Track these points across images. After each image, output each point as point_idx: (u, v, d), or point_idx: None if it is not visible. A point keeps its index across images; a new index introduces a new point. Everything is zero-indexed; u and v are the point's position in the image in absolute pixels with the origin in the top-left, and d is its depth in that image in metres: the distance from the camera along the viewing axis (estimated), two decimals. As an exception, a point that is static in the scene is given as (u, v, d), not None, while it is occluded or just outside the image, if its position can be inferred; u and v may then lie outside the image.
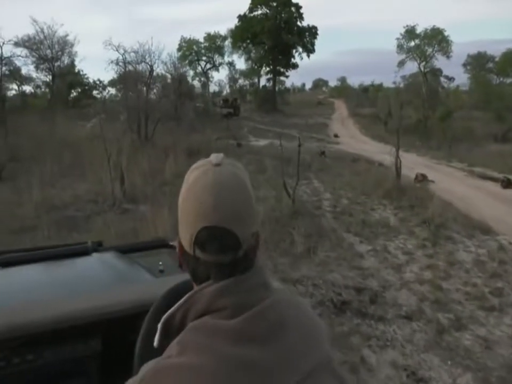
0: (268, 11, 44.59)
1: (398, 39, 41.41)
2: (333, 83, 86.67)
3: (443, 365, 3.57)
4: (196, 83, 42.60)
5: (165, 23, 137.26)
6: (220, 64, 49.95)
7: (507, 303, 4.63)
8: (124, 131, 15.84)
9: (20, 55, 26.41)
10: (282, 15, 44.29)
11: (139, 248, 2.23)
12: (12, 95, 31.42)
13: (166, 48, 42.28)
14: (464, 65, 47.64)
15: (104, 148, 9.16)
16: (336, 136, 26.04)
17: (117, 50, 21.48)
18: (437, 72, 42.86)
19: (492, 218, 7.66)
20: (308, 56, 46.02)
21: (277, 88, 47.15)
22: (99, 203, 8.23)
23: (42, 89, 34.98)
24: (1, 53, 22.58)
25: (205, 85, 47.26)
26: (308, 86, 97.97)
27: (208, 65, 49.85)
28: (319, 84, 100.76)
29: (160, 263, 1.88)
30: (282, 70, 46.80)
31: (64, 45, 31.33)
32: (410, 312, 4.37)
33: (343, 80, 79.86)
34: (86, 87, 36.24)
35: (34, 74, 32.49)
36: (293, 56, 46.05)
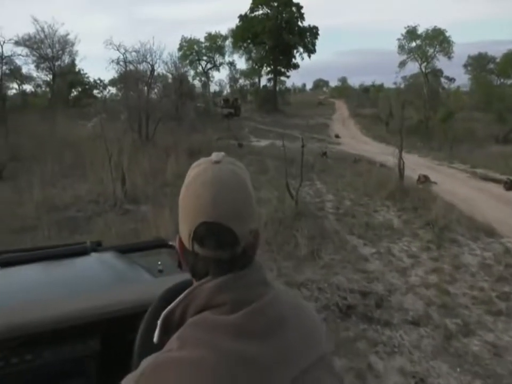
0: (268, 11, 44.50)
1: (399, 39, 41.36)
2: (333, 83, 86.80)
3: (452, 372, 3.50)
4: (197, 83, 42.59)
5: (165, 22, 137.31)
6: (221, 64, 49.89)
7: (515, 308, 4.57)
8: (125, 131, 15.77)
9: (20, 54, 26.38)
10: (283, 15, 44.18)
11: (138, 248, 2.22)
12: (12, 94, 31.42)
13: (166, 47, 42.11)
14: (465, 66, 47.57)
15: (105, 147, 9.09)
16: (337, 136, 25.97)
17: (117, 49, 21.46)
18: (437, 73, 42.81)
19: (496, 221, 7.60)
20: (309, 56, 45.97)
21: (277, 88, 47.04)
22: (100, 203, 8.17)
23: (43, 89, 34.95)
24: (2, 52, 22.50)
25: (205, 85, 47.19)
26: (309, 86, 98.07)
27: (209, 65, 49.79)
28: (320, 84, 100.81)
29: (159, 263, 1.89)
30: (283, 70, 46.70)
31: (65, 44, 31.28)
32: (417, 317, 4.30)
33: (343, 80, 79.88)
34: (87, 86, 36.19)
35: (34, 74, 32.44)
36: (294, 56, 45.96)
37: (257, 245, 0.84)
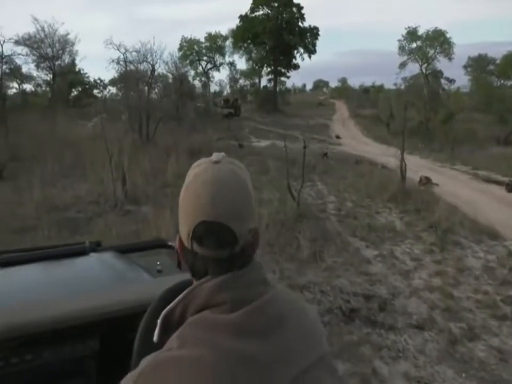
0: (269, 11, 44.45)
1: (399, 40, 41.39)
2: (333, 84, 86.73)
3: (457, 377, 3.46)
4: (197, 83, 42.57)
5: (165, 22, 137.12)
6: (221, 64, 49.85)
7: (519, 312, 4.53)
8: (125, 131, 15.73)
9: (20, 54, 26.30)
10: (284, 15, 44.13)
11: (137, 248, 2.21)
12: (12, 93, 31.34)
13: (167, 48, 42.09)
14: (465, 67, 47.57)
15: (106, 147, 9.05)
16: (338, 137, 25.94)
17: (117, 49, 21.40)
18: (437, 74, 42.81)
19: (499, 223, 7.55)
20: (309, 56, 45.92)
21: (277, 89, 47.00)
22: (100, 204, 8.12)
23: (43, 88, 34.88)
24: (2, 51, 22.44)
25: (205, 85, 47.16)
26: (309, 86, 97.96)
27: (209, 65, 49.76)
28: (320, 84, 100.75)
29: (158, 263, 1.90)
30: (283, 70, 46.65)
31: (65, 43, 31.21)
32: (421, 321, 4.26)
33: (343, 81, 79.82)
34: (87, 86, 36.13)
35: (35, 73, 32.37)
36: (294, 57, 45.90)
37: (257, 245, 0.83)
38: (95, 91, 36.75)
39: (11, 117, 18.00)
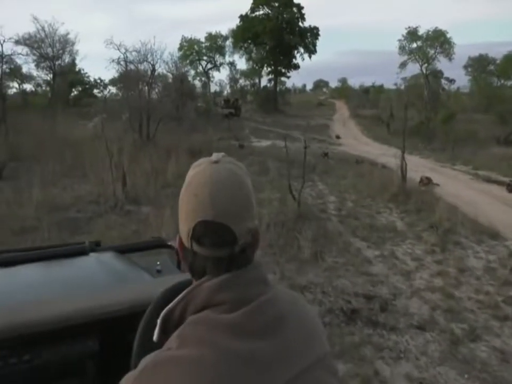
0: (269, 11, 44.43)
1: (399, 40, 41.39)
2: (333, 84, 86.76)
3: (460, 378, 3.44)
4: (197, 83, 42.55)
5: (166, 22, 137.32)
6: (221, 64, 49.88)
7: (521, 313, 4.51)
8: (126, 130, 15.71)
9: (20, 53, 26.21)
10: (284, 15, 44.12)
11: (137, 248, 2.21)
12: (12, 93, 31.34)
13: (167, 47, 42.06)
14: (465, 67, 47.56)
15: (106, 147, 9.03)
16: (338, 137, 25.92)
17: (118, 49, 21.39)
18: (437, 74, 42.81)
19: (500, 223, 7.54)
20: (310, 56, 45.92)
21: (277, 89, 46.98)
22: (101, 204, 8.09)
23: (43, 88, 34.91)
24: (2, 50, 22.39)
25: (205, 85, 47.16)
26: (309, 86, 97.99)
27: (209, 65, 49.77)
28: (320, 84, 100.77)
29: (158, 263, 1.91)
30: (283, 70, 46.64)
31: (65, 43, 31.19)
32: (423, 322, 4.24)
33: (343, 81, 79.79)
34: (87, 86, 36.16)
35: (35, 73, 32.41)
36: (294, 57, 45.90)
37: (257, 244, 0.84)
38: (95, 91, 36.83)
39: (11, 116, 17.96)
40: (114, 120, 16.73)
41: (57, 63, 31.06)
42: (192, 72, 44.91)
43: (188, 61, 45.05)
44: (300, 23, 44.85)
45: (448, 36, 39.94)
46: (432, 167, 14.72)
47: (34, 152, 12.20)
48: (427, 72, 39.95)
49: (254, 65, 47.64)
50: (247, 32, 43.82)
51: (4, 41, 22.05)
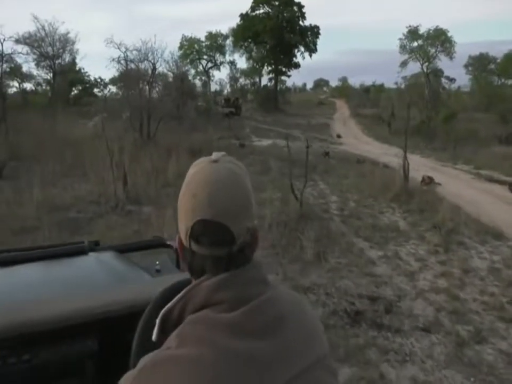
0: (269, 10, 44.33)
1: (400, 39, 41.27)
2: (334, 83, 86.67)
3: (466, 381, 3.40)
4: (197, 82, 42.49)
5: (166, 22, 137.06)
6: (221, 63, 49.80)
7: (527, 314, 4.46)
8: (126, 129, 15.66)
9: (20, 52, 26.16)
10: (285, 14, 43.99)
11: (136, 248, 2.21)
12: (12, 92, 31.28)
13: (167, 47, 42.03)
14: (466, 66, 47.48)
15: (107, 147, 8.98)
16: (339, 136, 25.84)
17: (118, 48, 21.32)
18: (438, 73, 42.72)
19: (503, 223, 7.50)
20: (310, 55, 45.78)
21: (278, 88, 46.89)
22: (101, 204, 8.04)
23: (43, 87, 34.84)
24: (2, 49, 22.33)
25: (206, 84, 47.08)
26: (309, 85, 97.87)
27: (210, 64, 49.69)
28: (320, 83, 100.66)
29: (157, 262, 1.91)
30: (284, 69, 46.54)
31: (65, 42, 31.14)
32: (428, 324, 4.19)
33: (344, 80, 79.74)
34: (87, 85, 36.09)
35: (35, 72, 32.34)
36: (295, 56, 45.81)
37: (256, 244, 0.83)
38: (96, 90, 36.75)
39: (11, 115, 17.91)
40: (114, 119, 16.68)
41: (57, 62, 31.02)
42: (193, 71, 44.91)
43: (188, 60, 44.98)
44: (301, 22, 44.74)
45: (448, 34, 39.86)
46: (433, 167, 14.67)
47: (35, 151, 12.16)
48: (428, 71, 39.86)
49: (255, 64, 47.55)
50: (248, 31, 43.72)
51: (4, 40, 22.03)
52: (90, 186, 9.19)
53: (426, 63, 40.34)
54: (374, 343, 3.86)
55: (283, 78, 49.15)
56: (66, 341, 1.28)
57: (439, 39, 39.53)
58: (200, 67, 49.03)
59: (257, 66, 47.33)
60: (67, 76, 31.86)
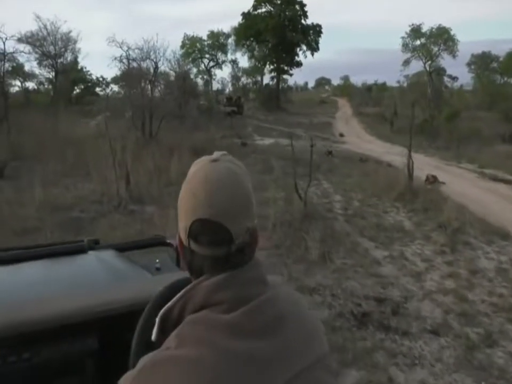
0: (272, 9, 44.25)
1: (403, 37, 41.16)
2: (335, 82, 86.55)
3: (477, 386, 3.32)
4: (199, 81, 42.42)
5: (167, 21, 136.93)
6: (223, 62, 49.76)
7: (537, 316, 4.38)
8: (128, 128, 15.61)
9: (23, 51, 26.13)
10: (287, 13, 43.89)
11: (136, 246, 2.20)
12: (14, 91, 31.24)
13: (170, 45, 41.96)
14: (468, 64, 47.35)
15: (110, 146, 8.92)
16: (341, 135, 25.76)
17: (120, 47, 21.28)
18: (440, 72, 42.60)
19: (509, 223, 7.41)
20: (312, 54, 45.68)
21: (280, 87, 46.77)
22: (104, 204, 7.98)
23: (45, 86, 34.85)
24: (4, 48, 22.29)
25: (207, 83, 47.03)
26: (311, 84, 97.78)
27: (211, 63, 49.64)
28: (322, 82, 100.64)
29: (157, 260, 1.90)
30: (286, 68, 46.42)
31: (67, 41, 31.16)
32: (436, 326, 4.11)
33: (346, 78, 79.65)
34: (89, 84, 36.09)
35: (37, 71, 32.36)
36: (297, 54, 45.70)
37: (255, 244, 0.83)
38: (98, 89, 36.73)
39: (13, 115, 17.89)
40: (117, 119, 16.63)
41: (59, 61, 31.03)
42: (194, 70, 44.83)
43: (190, 59, 44.90)
44: (303, 21, 44.63)
45: (452, 33, 39.71)
46: (437, 165, 14.58)
47: (36, 150, 12.11)
48: (430, 70, 39.73)
49: (256, 63, 47.47)
50: (249, 30, 43.62)
51: (6, 39, 21.99)
52: (92, 185, 9.13)
53: (429, 62, 40.20)
54: (381, 346, 3.78)
55: (285, 76, 49.10)
56: (66, 340, 1.27)
57: (442, 37, 39.40)
58: (202, 66, 49.05)
59: (259, 65, 47.25)
60: (69, 75, 31.87)
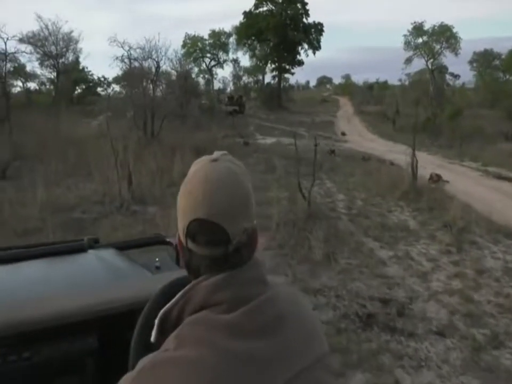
0: (273, 7, 44.11)
1: (405, 35, 41.05)
2: (337, 80, 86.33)
3: (485, 388, 3.27)
4: (200, 80, 42.35)
5: (168, 21, 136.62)
6: (225, 61, 49.69)
7: (544, 317, 4.32)
8: (130, 128, 15.57)
9: (24, 51, 26.15)
10: (288, 11, 43.76)
11: (136, 245, 2.21)
12: (16, 91, 31.29)
13: (171, 44, 41.98)
14: (470, 62, 47.17)
15: (111, 146, 8.88)
16: (343, 134, 25.68)
17: (121, 46, 21.24)
18: (442, 70, 42.48)
19: (515, 222, 7.34)
20: (314, 53, 45.56)
21: (281, 86, 46.66)
22: (106, 204, 7.94)
23: (47, 86, 34.88)
24: (6, 49, 22.30)
25: (209, 82, 46.96)
26: (312, 83, 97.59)
27: (213, 62, 49.58)
28: (323, 81, 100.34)
29: (157, 259, 1.90)
30: (287, 67, 46.31)
31: (69, 41, 31.19)
32: (442, 327, 4.06)
33: (347, 77, 79.47)
34: (91, 84, 36.09)
35: (38, 71, 32.40)
36: (299, 53, 45.58)
37: (255, 244, 0.82)
38: (99, 89, 36.73)
39: (15, 115, 17.88)
40: (118, 118, 16.59)
41: (61, 61, 31.06)
42: (196, 69, 44.73)
43: (191, 58, 44.85)
44: (304, 19, 44.51)
45: (454, 30, 39.58)
46: (440, 164, 14.49)
47: (38, 151, 12.08)
48: (433, 68, 39.60)
49: (258, 62, 47.36)
50: (251, 29, 43.51)
51: (8, 39, 22.02)
52: (94, 186, 9.09)
53: (431, 60, 40.07)
54: (387, 347, 3.73)
55: (286, 75, 48.97)
56: (66, 339, 1.28)
57: (444, 35, 39.25)
58: (204, 65, 48.95)
59: (261, 64, 47.13)
60: (71, 75, 31.88)
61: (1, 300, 1.41)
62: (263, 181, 9.82)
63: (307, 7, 44.10)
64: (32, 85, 34.64)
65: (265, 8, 44.45)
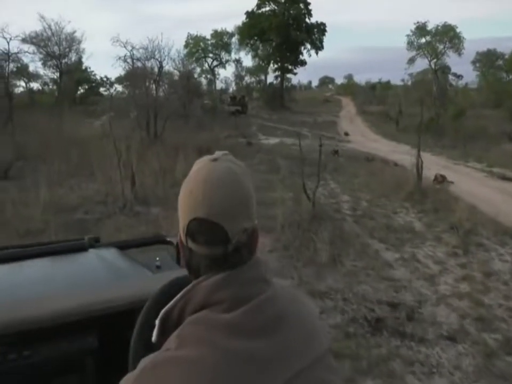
0: (275, 7, 44.05)
1: (408, 35, 40.89)
2: (339, 80, 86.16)
3: (498, 396, 3.19)
4: (203, 80, 42.32)
5: (171, 21, 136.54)
6: (227, 61, 49.63)
7: (556, 321, 4.24)
8: (133, 128, 15.52)
9: (27, 52, 26.13)
10: (291, 11, 43.69)
11: (136, 244, 2.21)
12: (19, 92, 31.28)
13: (174, 44, 41.92)
14: (473, 62, 46.97)
15: (114, 146, 8.81)
16: (346, 134, 25.60)
17: (124, 46, 21.19)
18: (445, 70, 42.33)
19: (521, 224, 7.25)
20: (316, 53, 45.49)
21: (284, 86, 46.57)
22: (109, 204, 7.87)
23: (50, 86, 34.85)
24: (9, 49, 22.28)
25: (211, 82, 46.92)
26: (314, 83, 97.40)
27: (215, 62, 49.53)
28: (326, 81, 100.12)
29: (157, 258, 1.91)
30: (290, 67, 46.21)
31: (72, 41, 31.16)
32: (453, 332, 3.97)
33: (349, 77, 79.26)
34: (93, 84, 36.07)
35: (41, 71, 32.39)
36: (301, 53, 45.49)
37: (255, 244, 0.82)
38: (102, 89, 36.72)
39: (18, 115, 17.84)
40: (121, 118, 16.54)
41: (63, 61, 31.03)
42: (198, 69, 44.68)
43: (193, 58, 44.80)
44: (307, 19, 44.42)
45: (457, 30, 39.42)
46: (445, 165, 14.38)
47: (41, 151, 12.04)
48: (436, 68, 39.45)
49: (260, 62, 47.29)
50: (253, 29, 43.45)
51: (11, 39, 22.02)
52: (97, 186, 9.03)
53: (434, 60, 39.92)
54: (397, 353, 3.65)
55: (289, 75, 48.86)
56: (66, 338, 1.28)
57: (448, 35, 39.09)
58: (206, 65, 48.90)
59: (263, 64, 47.07)
60: (73, 75, 31.86)
61: (1, 298, 1.41)
62: (267, 181, 9.75)
63: (310, 7, 44.06)
64: (35, 85, 34.64)
65: (267, 8, 44.42)
